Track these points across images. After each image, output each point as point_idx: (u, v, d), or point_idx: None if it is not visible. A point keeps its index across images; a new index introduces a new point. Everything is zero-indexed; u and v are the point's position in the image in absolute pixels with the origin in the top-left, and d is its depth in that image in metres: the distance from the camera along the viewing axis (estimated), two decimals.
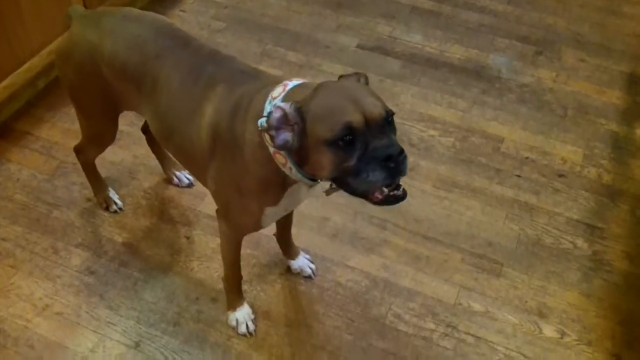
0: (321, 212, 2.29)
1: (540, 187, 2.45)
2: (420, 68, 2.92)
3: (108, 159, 2.42)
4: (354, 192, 1.36)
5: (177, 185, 2.36)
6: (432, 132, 2.62)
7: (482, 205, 2.37)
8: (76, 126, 2.39)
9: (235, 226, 1.72)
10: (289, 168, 1.40)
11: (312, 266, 2.11)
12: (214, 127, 1.53)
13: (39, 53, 2.51)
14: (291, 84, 1.43)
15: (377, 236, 2.24)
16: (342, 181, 1.35)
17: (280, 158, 1.40)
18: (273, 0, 3.32)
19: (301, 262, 2.10)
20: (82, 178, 2.29)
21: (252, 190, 1.54)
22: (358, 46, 3.03)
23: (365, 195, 1.35)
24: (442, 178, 2.45)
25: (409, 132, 2.61)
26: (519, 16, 3.28)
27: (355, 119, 1.28)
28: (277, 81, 1.48)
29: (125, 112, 1.92)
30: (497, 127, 2.66)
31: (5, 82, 2.39)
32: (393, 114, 1.35)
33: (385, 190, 1.34)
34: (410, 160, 2.48)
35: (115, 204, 2.27)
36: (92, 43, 1.72)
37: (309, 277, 2.10)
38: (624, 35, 3.21)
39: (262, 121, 1.32)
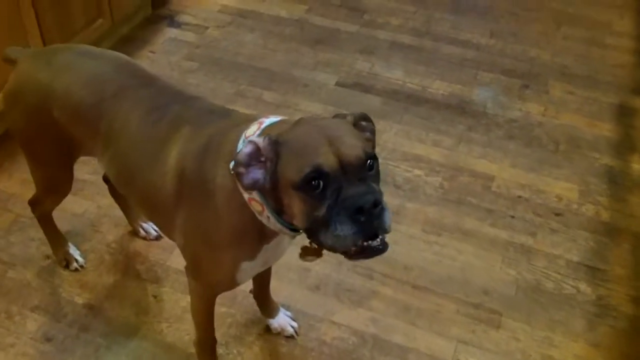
0: (301, 262, 2.10)
1: (536, 227, 2.29)
2: (403, 105, 2.78)
3: (69, 211, 2.23)
4: (325, 247, 1.19)
5: (144, 238, 2.16)
6: (417, 172, 2.46)
7: (475, 248, 2.20)
8: None
9: (207, 284, 1.53)
10: (266, 217, 1.25)
11: (294, 324, 1.91)
12: (179, 172, 1.37)
13: None
14: (267, 120, 1.28)
15: (364, 287, 2.05)
16: (312, 233, 1.19)
17: (256, 205, 1.24)
18: (248, 39, 3.19)
19: (281, 320, 1.91)
20: (41, 233, 2.09)
21: (226, 242, 1.36)
22: (337, 84, 2.90)
23: (337, 249, 1.17)
24: (431, 221, 2.28)
25: (393, 172, 2.45)
26: (502, 49, 3.18)
27: (327, 161, 1.13)
28: (250, 119, 1.33)
29: (87, 159, 1.74)
30: (486, 164, 2.52)
31: None
32: (375, 158, 1.19)
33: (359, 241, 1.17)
34: (396, 202, 2.36)
35: (76, 260, 2.07)
36: (42, 83, 1.55)
37: (291, 336, 1.90)
38: (609, 67, 3.12)
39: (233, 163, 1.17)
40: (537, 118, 2.77)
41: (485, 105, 2.82)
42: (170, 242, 1.71)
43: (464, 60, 3.10)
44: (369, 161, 1.16)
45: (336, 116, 1.29)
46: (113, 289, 2.02)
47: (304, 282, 2.06)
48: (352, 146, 1.15)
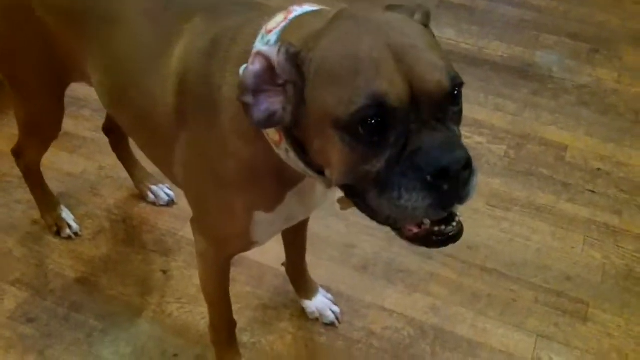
0: (345, 237, 1.72)
1: (621, 204, 1.90)
2: (458, 66, 2.33)
3: (65, 170, 1.88)
4: (373, 216, 0.83)
5: (153, 203, 1.79)
6: (478, 139, 2.08)
7: (551, 227, 1.81)
8: None
9: (215, 240, 1.15)
10: (284, 150, 0.88)
11: (336, 309, 1.54)
12: (181, 78, 1.00)
13: None
14: (299, 10, 0.89)
15: (421, 268, 1.67)
16: (357, 194, 0.83)
17: (271, 132, 0.87)
18: None
19: (320, 304, 1.53)
20: (30, 195, 1.74)
21: (234, 180, 0.99)
22: None
23: (391, 223, 0.82)
24: (498, 194, 1.89)
25: None
26: (566, 12, 2.79)
27: (394, 88, 0.74)
28: (276, 10, 0.94)
29: (89, 114, 1.35)
30: (557, 132, 2.13)
31: None
32: (462, 84, 0.81)
33: (427, 221, 0.81)
34: None
35: (70, 226, 1.71)
36: None
37: (332, 324, 1.53)
38: None
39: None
40: (610, 85, 2.38)
41: (550, 69, 2.43)
42: (185, 208, 1.34)
43: (522, 21, 2.71)
44: (455, 90, 0.79)
45: (390, 8, 0.88)
46: (113, 262, 1.65)
47: (347, 261, 1.68)
48: (431, 65, 0.77)
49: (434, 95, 0.76)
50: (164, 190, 1.79)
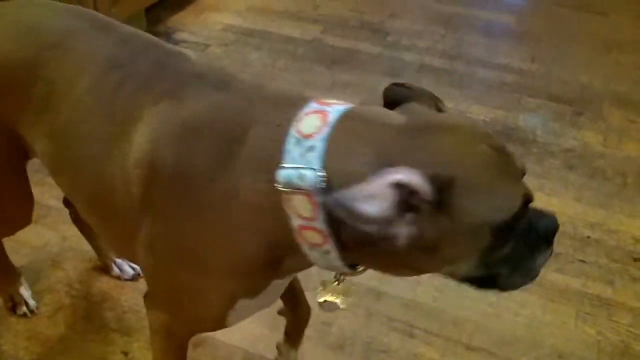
0: (321, 314, 1.61)
1: (612, 274, 1.81)
2: None
3: (28, 242, 1.77)
4: (503, 289, 0.91)
5: (118, 277, 1.68)
6: None
7: (541, 300, 1.72)
8: None
9: (182, 320, 1.06)
10: (322, 252, 0.83)
11: None
12: (149, 165, 0.91)
13: None
14: (334, 110, 0.84)
15: (403, 347, 1.56)
16: (484, 280, 0.89)
17: (314, 236, 0.82)
18: (255, 57, 2.78)
19: None
20: None
21: (224, 270, 0.92)
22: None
23: (519, 286, 0.92)
24: None
25: None
26: (547, 74, 2.76)
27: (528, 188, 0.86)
28: (277, 101, 0.89)
29: (54, 182, 1.23)
30: (543, 198, 2.05)
31: None
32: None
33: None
34: None
35: (26, 303, 1.58)
36: None
37: None
38: None
39: (289, 175, 0.79)
40: (597, 148, 2.32)
41: (534, 132, 2.38)
42: None
43: (503, 84, 2.67)
44: None
45: (410, 98, 0.90)
46: (71, 342, 1.53)
47: (323, 339, 1.56)
48: (522, 162, 0.87)
49: None
50: (129, 264, 1.68)
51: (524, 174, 0.86)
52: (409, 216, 0.74)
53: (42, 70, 1.02)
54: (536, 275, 0.91)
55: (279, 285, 0.99)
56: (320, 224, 0.79)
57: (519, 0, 3.51)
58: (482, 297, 1.69)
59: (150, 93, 0.94)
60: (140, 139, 0.92)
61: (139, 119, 0.93)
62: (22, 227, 1.39)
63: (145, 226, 0.94)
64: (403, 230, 0.74)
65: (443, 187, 0.75)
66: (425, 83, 2.63)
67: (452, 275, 0.88)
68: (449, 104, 2.46)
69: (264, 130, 0.85)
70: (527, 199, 0.83)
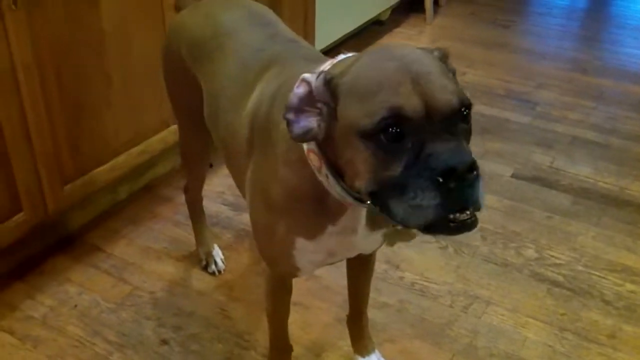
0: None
1: None
2: (598, 205, 2.26)
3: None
4: (393, 218, 0.91)
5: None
6: (631, 287, 1.91)
7: None
8: (159, 245, 1.95)
9: (266, 259, 1.29)
10: (324, 175, 1.01)
11: None
12: (253, 115, 1.21)
13: (128, 151, 2.04)
14: (341, 56, 1.04)
15: None
16: (380, 199, 0.92)
17: (314, 158, 1.01)
18: None
19: None
20: (160, 312, 1.72)
21: (280, 204, 1.12)
22: (513, 175, 2.43)
23: (406, 224, 0.90)
24: None
25: (600, 284, 1.91)
26: None
27: (410, 103, 0.87)
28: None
29: None
30: None
31: (78, 181, 1.90)
32: (470, 105, 0.92)
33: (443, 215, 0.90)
34: (609, 323, 1.80)
35: (215, 264, 1.92)
36: (178, 22, 1.56)
37: None
38: None
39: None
40: None
41: None
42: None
43: None
44: (463, 110, 0.90)
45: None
46: None
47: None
48: (442, 87, 0.89)
49: (445, 111, 0.87)
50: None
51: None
52: (315, 111, 0.94)
53: (215, 48, 1.40)
54: (424, 216, 0.86)
55: (336, 234, 1.12)
56: (313, 145, 0.99)
57: None
58: None
59: (269, 65, 1.26)
60: (254, 95, 1.23)
61: (258, 82, 1.24)
62: (201, 165, 1.81)
63: (249, 166, 1.20)
64: (312, 121, 0.94)
65: (334, 89, 0.92)
66: (580, 156, 2.58)
67: (364, 191, 0.93)
68: (608, 179, 2.40)
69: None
70: (396, 112, 0.86)
